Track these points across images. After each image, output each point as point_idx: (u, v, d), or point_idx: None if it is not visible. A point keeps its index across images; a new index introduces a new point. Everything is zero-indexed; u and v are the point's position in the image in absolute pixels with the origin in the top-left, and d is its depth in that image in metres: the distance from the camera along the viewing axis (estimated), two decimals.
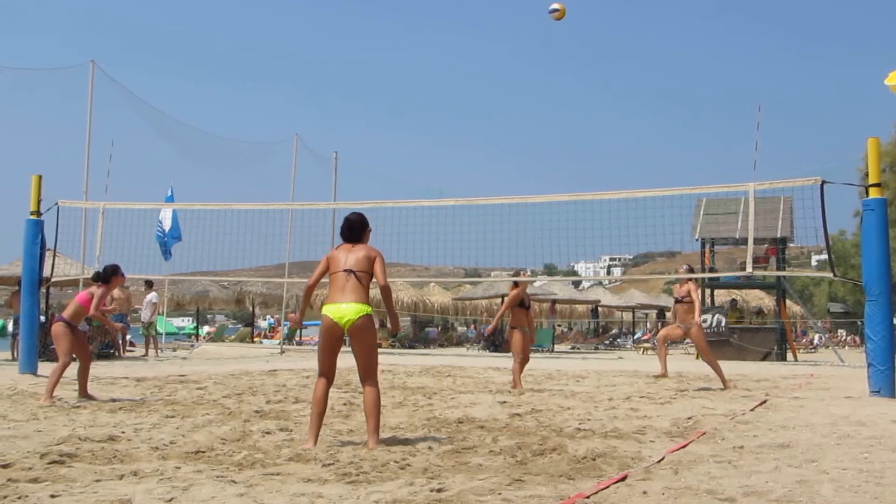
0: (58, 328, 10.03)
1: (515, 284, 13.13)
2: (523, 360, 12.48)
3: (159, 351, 23.16)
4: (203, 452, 6.11)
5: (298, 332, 36.07)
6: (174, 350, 25.62)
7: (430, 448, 6.36)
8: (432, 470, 5.43)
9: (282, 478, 5.13)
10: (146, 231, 21.21)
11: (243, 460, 5.76)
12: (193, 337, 39.03)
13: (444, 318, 39.11)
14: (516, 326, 12.55)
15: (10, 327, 28.62)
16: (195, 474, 5.24)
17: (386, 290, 6.77)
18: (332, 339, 6.55)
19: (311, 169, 29.56)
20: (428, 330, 36.77)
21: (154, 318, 23.02)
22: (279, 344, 29.35)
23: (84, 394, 9.94)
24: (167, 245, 24.43)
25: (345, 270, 6.59)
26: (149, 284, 23.25)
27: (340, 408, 9.21)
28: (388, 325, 7.30)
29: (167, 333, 29.34)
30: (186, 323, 53.30)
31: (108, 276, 10.20)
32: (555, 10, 12.49)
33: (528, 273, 13.72)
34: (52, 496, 4.56)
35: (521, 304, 12.65)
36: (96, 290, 10.07)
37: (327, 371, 6.64)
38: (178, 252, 22.30)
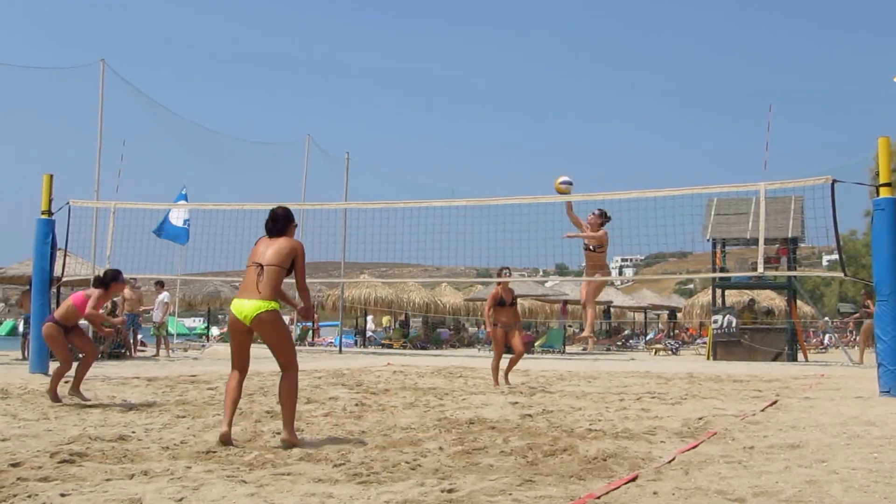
0: (47, 329, 9.71)
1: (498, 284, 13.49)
2: (516, 357, 13.16)
3: (170, 351, 23.23)
4: (214, 452, 6.11)
5: (311, 333, 36.17)
6: (185, 350, 25.69)
7: (440, 448, 6.36)
8: (443, 470, 5.43)
9: (292, 478, 5.14)
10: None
11: (254, 460, 5.77)
12: (204, 337, 39.10)
13: (456, 318, 39.10)
14: (496, 323, 12.97)
15: (20, 327, 28.74)
16: (206, 474, 5.25)
17: (304, 292, 6.94)
18: (237, 334, 6.65)
19: (322, 169, 29.67)
20: (439, 331, 36.76)
21: (165, 318, 23.07)
22: None
23: (75, 390, 9.43)
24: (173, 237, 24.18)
25: (255, 264, 6.62)
26: (160, 285, 23.31)
27: (353, 409, 9.22)
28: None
29: (178, 334, 29.40)
30: (197, 323, 53.43)
31: (108, 281, 9.85)
32: (567, 183, 12.49)
33: (510, 273, 13.84)
34: (62, 495, 4.57)
35: (502, 302, 13.02)
36: (94, 293, 9.75)
37: (239, 365, 6.71)
38: (190, 252, 22.32)
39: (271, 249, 6.68)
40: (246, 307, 6.49)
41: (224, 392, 6.96)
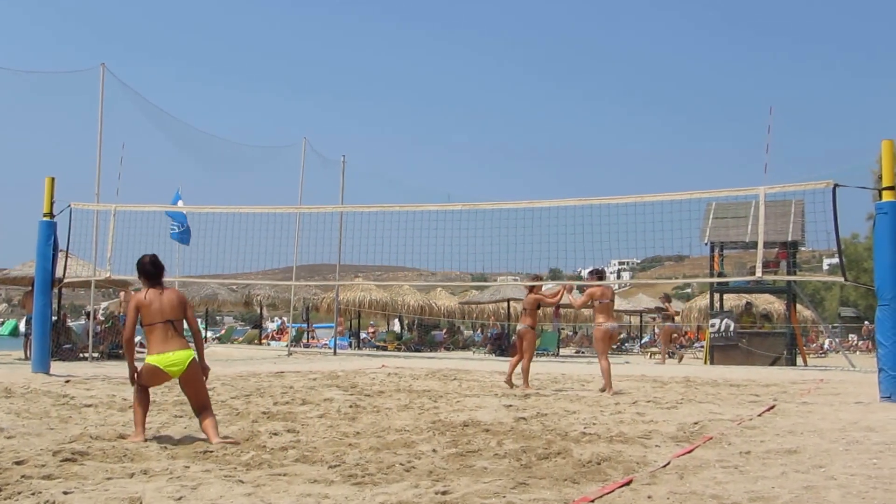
0: None
1: (532, 289, 13.60)
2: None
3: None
4: (211, 452, 6.19)
5: (306, 335, 36.26)
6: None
7: (434, 451, 6.41)
8: (437, 472, 5.47)
9: (288, 478, 5.19)
10: (157, 233, 21.28)
11: (251, 460, 5.83)
12: None
13: (451, 321, 39.19)
14: (535, 327, 13.38)
15: (22, 327, 28.78)
16: (203, 473, 5.31)
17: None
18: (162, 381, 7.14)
19: (319, 172, 29.65)
20: (434, 333, 36.83)
21: None
22: (287, 346, 29.44)
23: None
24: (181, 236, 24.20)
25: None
26: None
27: (347, 410, 9.27)
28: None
29: None
30: None
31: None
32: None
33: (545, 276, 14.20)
34: (65, 493, 4.63)
35: (538, 305, 13.38)
36: None
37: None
38: (188, 255, 22.34)
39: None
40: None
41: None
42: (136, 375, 6.98)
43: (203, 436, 6.90)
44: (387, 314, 40.19)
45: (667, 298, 27.38)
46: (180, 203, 21.13)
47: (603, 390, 12.43)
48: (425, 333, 36.82)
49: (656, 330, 43.32)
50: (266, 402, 9.99)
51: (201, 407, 6.96)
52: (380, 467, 5.61)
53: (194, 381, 6.93)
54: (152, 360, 6.83)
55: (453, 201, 17.80)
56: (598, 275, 13.86)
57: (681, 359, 25.32)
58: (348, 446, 6.61)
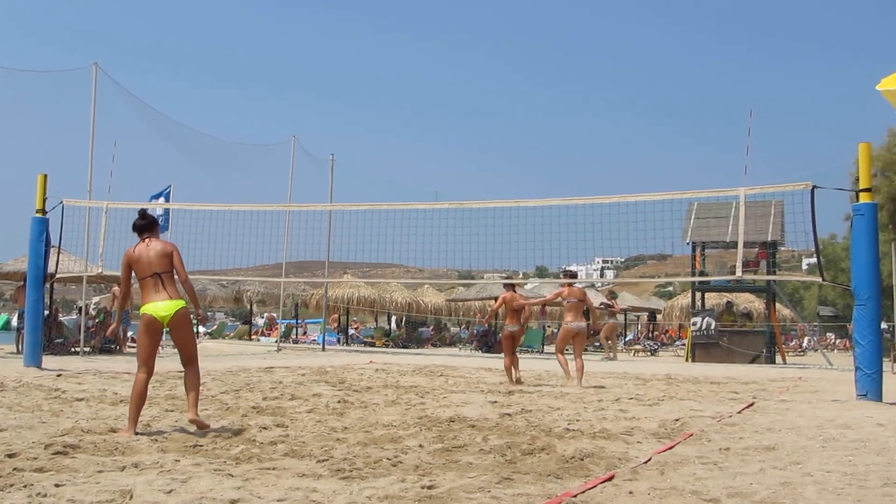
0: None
1: (513, 287, 13.96)
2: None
3: (160, 348, 23.31)
4: (201, 446, 6.28)
5: (295, 331, 36.26)
6: (174, 347, 25.74)
7: (421, 446, 6.52)
8: (423, 467, 5.58)
9: (277, 472, 5.29)
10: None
11: (240, 454, 5.93)
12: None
13: (438, 318, 39.28)
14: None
15: (14, 321, 28.75)
16: (194, 467, 5.41)
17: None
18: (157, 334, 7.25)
19: (308, 171, 29.74)
20: (421, 330, 36.88)
21: None
22: (276, 342, 29.49)
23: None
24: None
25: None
26: None
27: (335, 405, 9.37)
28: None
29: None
30: None
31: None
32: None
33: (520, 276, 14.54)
34: (57, 485, 4.71)
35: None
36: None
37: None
38: (182, 247, 22.34)
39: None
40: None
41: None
42: (119, 332, 7.14)
43: (193, 429, 7.01)
44: (375, 311, 40.24)
45: (612, 296, 27.89)
46: (161, 200, 21.21)
47: (568, 382, 13.13)
48: (413, 330, 36.88)
49: (639, 327, 43.59)
50: (255, 397, 10.08)
51: (187, 358, 7.29)
52: (367, 462, 5.72)
53: (181, 328, 7.18)
54: (144, 309, 7.12)
55: (440, 200, 17.94)
56: (569, 275, 14.21)
57: (615, 356, 25.56)
58: (336, 441, 6.71)
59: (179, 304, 7.17)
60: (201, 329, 40.61)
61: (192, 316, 7.42)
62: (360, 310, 39.08)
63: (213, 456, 5.90)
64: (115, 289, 22.70)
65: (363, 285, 37.81)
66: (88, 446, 6.11)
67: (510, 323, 13.53)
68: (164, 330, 7.26)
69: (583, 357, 13.48)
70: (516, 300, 13.61)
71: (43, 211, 14.88)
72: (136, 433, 6.83)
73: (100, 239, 16.52)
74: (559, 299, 13.98)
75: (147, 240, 7.32)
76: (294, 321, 38.20)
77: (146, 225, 7.40)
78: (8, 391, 10.06)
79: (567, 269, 15.10)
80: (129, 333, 23.51)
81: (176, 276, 7.35)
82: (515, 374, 13.38)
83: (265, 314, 45.74)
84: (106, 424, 7.29)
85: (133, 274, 7.35)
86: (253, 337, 36.90)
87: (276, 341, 29.56)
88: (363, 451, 6.17)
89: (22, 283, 18.85)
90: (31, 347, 14.36)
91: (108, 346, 20.59)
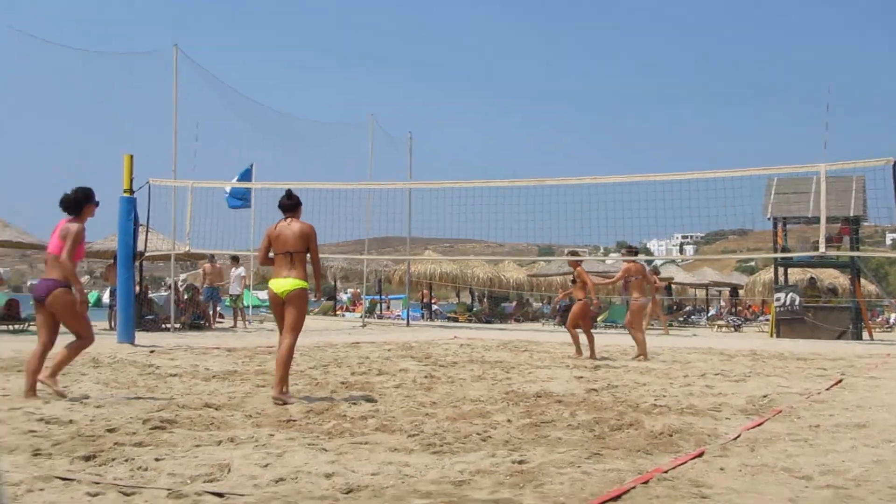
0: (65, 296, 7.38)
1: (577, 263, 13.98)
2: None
3: (247, 323, 23.81)
4: (294, 421, 6.40)
5: (379, 306, 36.65)
6: (261, 322, 26.25)
7: (509, 421, 6.55)
8: (513, 442, 5.61)
9: (369, 447, 5.36)
10: (235, 211, 21.88)
11: (332, 429, 6.02)
12: None
13: (520, 293, 39.24)
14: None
15: (105, 298, 29.62)
16: (288, 442, 5.52)
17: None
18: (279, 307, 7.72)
19: (386, 149, 29.88)
20: (504, 305, 36.91)
21: (242, 291, 23.72)
22: (361, 317, 29.84)
23: (52, 377, 7.41)
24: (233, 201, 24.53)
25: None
26: (235, 260, 23.88)
27: (422, 381, 9.46)
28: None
29: (252, 306, 30.07)
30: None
31: (82, 202, 7.60)
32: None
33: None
34: (157, 459, 4.85)
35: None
36: (70, 228, 7.46)
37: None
38: (259, 229, 22.73)
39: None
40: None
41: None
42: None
43: (283, 403, 7.18)
44: (457, 286, 40.38)
45: (655, 271, 27.47)
46: (234, 180, 21.58)
47: (637, 357, 13.13)
48: (495, 305, 36.93)
49: (721, 303, 42.90)
50: (344, 373, 10.23)
51: (287, 329, 7.66)
52: (457, 437, 5.77)
53: (292, 306, 7.61)
54: (269, 283, 7.80)
55: (520, 177, 17.90)
56: (631, 251, 14.07)
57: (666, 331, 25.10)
58: (426, 416, 6.78)
59: (298, 284, 7.60)
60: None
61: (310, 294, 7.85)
62: (442, 285, 39.26)
63: (307, 431, 6.00)
64: (206, 265, 23.24)
65: (445, 261, 37.97)
66: (185, 421, 6.27)
67: (581, 295, 13.44)
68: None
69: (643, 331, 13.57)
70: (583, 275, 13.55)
71: (130, 191, 15.27)
72: (284, 392, 7.43)
73: (186, 217, 16.92)
74: (627, 277, 13.87)
75: (290, 219, 7.81)
76: (378, 297, 38.59)
77: (290, 205, 7.89)
78: (104, 367, 10.35)
79: (630, 246, 14.97)
80: (218, 308, 24.06)
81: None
82: (590, 347, 13.33)
83: (349, 290, 46.30)
84: (200, 400, 7.48)
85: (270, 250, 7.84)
86: (338, 312, 37.38)
87: (361, 317, 29.92)
88: (452, 426, 6.22)
89: (112, 261, 19.37)
90: (124, 324, 14.79)
91: (198, 322, 21.11)
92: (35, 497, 4.02)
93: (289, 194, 7.96)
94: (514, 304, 37.60)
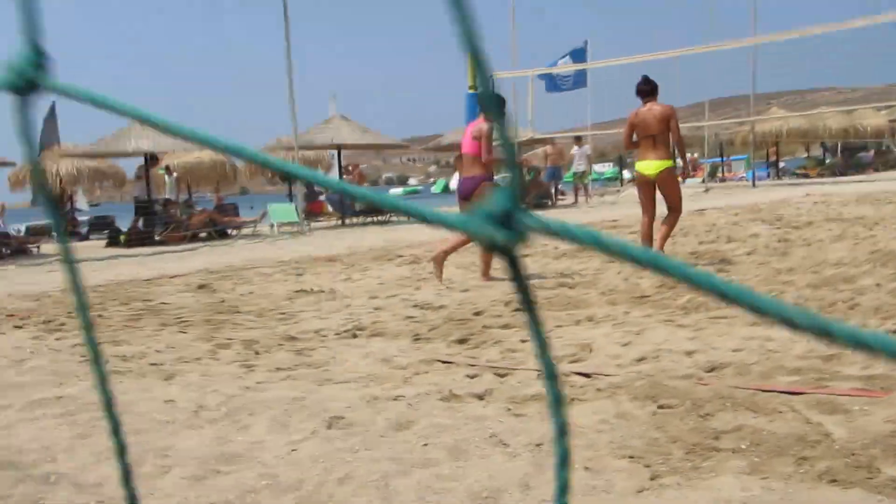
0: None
1: None
2: None
3: (589, 198, 24.13)
4: (647, 297, 6.44)
5: (721, 169, 35.48)
6: (601, 196, 26.44)
7: (878, 285, 6.10)
8: (885, 309, 5.25)
9: (728, 321, 5.23)
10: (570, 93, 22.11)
11: (687, 304, 5.95)
12: (619, 181, 39.86)
13: (879, 141, 36.12)
14: None
15: (452, 184, 31.21)
16: (644, 318, 5.58)
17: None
18: (647, 187, 8.28)
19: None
20: (860, 155, 34.28)
21: (588, 168, 24.14)
22: (702, 181, 29.12)
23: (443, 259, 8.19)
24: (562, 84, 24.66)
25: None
26: (578, 140, 24.19)
27: (776, 245, 9.12)
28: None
29: (592, 180, 30.42)
30: (606, 168, 54.56)
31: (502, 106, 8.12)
32: None
33: None
34: (522, 341, 5.11)
35: None
36: (483, 128, 7.91)
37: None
38: (600, 102, 22.75)
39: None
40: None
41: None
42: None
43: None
44: (807, 141, 37.94)
45: None
46: (564, 59, 21.49)
47: None
48: (850, 157, 34.41)
49: None
50: (691, 242, 10.09)
51: (670, 208, 8.24)
52: (821, 305, 5.52)
53: (665, 185, 8.17)
54: (637, 166, 8.39)
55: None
56: None
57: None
58: (784, 284, 6.56)
59: (664, 164, 8.08)
60: (626, 175, 41.35)
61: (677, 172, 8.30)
62: (790, 142, 37.12)
63: (661, 306, 6.02)
64: (548, 147, 23.72)
65: (793, 117, 35.78)
66: (542, 302, 6.45)
67: None
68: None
69: None
70: None
71: (474, 87, 15.78)
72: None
73: (528, 105, 17.27)
74: None
75: (650, 104, 8.15)
76: (719, 159, 37.36)
77: (648, 90, 8.21)
78: (459, 252, 10.83)
79: None
80: (560, 186, 24.54)
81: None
82: None
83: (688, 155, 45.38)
84: (555, 281, 7.72)
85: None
86: (679, 179, 36.76)
87: (703, 181, 29.19)
88: (814, 294, 5.96)
89: (458, 153, 20.29)
90: None
91: (542, 201, 21.67)
92: (422, 378, 4.39)
93: (645, 80, 8.27)
94: (873, 152, 34.79)
